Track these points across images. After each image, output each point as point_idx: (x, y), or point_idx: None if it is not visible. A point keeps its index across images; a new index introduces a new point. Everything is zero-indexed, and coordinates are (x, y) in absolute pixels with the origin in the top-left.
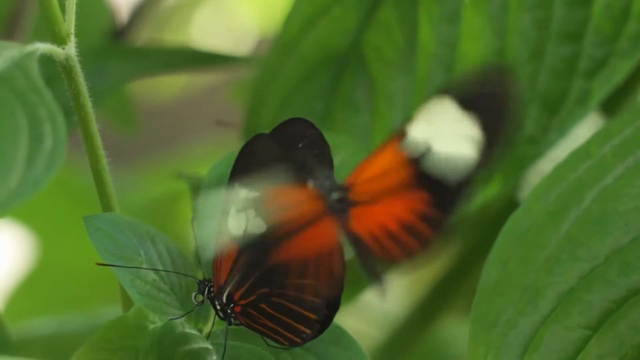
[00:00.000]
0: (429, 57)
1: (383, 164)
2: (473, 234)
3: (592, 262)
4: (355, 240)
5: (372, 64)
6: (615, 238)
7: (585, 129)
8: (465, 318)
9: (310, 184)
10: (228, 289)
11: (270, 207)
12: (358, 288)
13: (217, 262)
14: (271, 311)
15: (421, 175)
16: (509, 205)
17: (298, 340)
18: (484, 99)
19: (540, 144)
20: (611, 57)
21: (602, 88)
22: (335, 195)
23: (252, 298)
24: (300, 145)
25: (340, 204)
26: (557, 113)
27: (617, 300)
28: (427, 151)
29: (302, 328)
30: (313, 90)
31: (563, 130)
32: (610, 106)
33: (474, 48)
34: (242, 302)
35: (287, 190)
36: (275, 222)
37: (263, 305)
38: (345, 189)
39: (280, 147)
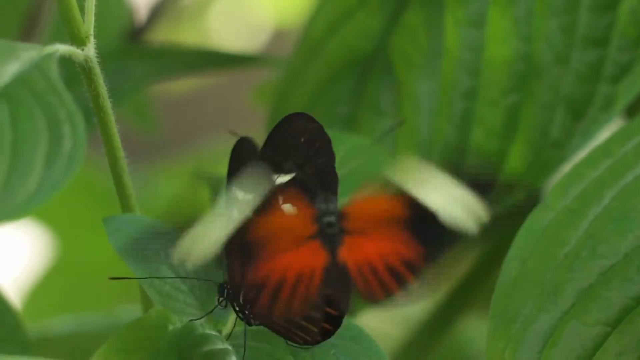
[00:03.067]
0: (454, 61)
1: (384, 203)
2: (494, 235)
3: (611, 259)
4: (341, 268)
5: (398, 68)
6: (635, 236)
7: (609, 133)
8: (486, 317)
9: (308, 204)
10: (244, 290)
11: (260, 217)
12: None
13: (232, 263)
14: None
15: (415, 225)
16: (530, 206)
17: (309, 339)
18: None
19: (565, 149)
20: (636, 62)
21: (627, 93)
22: (327, 219)
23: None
24: (302, 139)
25: (332, 229)
26: (582, 118)
27: (637, 297)
28: (427, 208)
29: (311, 327)
30: (338, 94)
31: (588, 134)
32: (634, 111)
33: (499, 52)
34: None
35: (282, 206)
36: (262, 235)
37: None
38: (341, 215)
39: (282, 142)
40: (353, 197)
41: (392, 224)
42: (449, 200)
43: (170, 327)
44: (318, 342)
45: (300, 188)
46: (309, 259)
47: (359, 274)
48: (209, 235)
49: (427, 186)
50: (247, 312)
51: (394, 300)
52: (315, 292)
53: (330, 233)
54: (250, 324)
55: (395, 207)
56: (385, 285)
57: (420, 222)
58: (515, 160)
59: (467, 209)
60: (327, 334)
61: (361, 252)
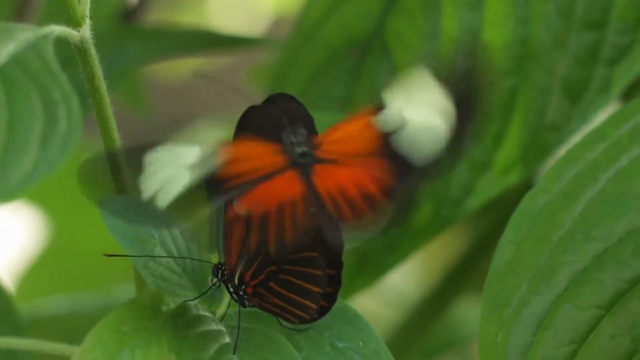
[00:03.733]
0: (452, 44)
1: (355, 129)
2: (489, 217)
3: (605, 242)
4: (314, 195)
5: (395, 50)
6: (629, 219)
7: (606, 116)
8: (480, 300)
9: (278, 138)
10: (239, 271)
11: (235, 159)
12: (376, 272)
13: (227, 244)
14: (280, 289)
15: (389, 146)
16: (526, 190)
17: (305, 316)
18: (460, 78)
19: (561, 132)
20: (634, 45)
21: (624, 76)
22: (299, 149)
23: (261, 277)
24: (285, 120)
25: (303, 159)
26: (580, 101)
27: (630, 281)
28: (400, 125)
29: (308, 303)
30: (335, 75)
31: (585, 117)
32: (631, 94)
33: (497, 35)
34: (253, 282)
35: (252, 143)
36: (238, 173)
37: (272, 284)
38: (311, 145)
39: (265, 122)
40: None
41: (365, 149)
42: (424, 107)
43: (165, 308)
44: (315, 320)
45: (267, 123)
46: (286, 188)
47: (331, 199)
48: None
49: (404, 95)
50: (241, 293)
51: (365, 224)
52: (302, 217)
53: (303, 163)
54: (244, 305)
55: (367, 132)
56: (357, 209)
57: (394, 143)
58: (512, 142)
59: (442, 117)
60: (323, 311)
61: (332, 178)
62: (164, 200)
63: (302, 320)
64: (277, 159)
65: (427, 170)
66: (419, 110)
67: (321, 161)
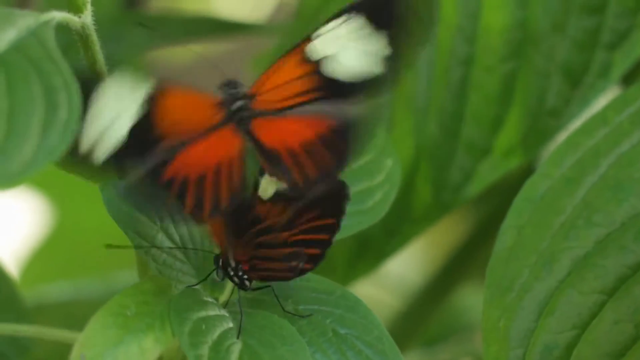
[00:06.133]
0: (451, 28)
1: (287, 74)
2: (491, 203)
3: (607, 227)
4: (259, 148)
5: None
6: (631, 204)
7: (606, 101)
8: (482, 286)
9: (213, 94)
10: (232, 250)
11: (172, 116)
12: (377, 258)
13: (216, 229)
14: (267, 250)
15: (323, 75)
16: (527, 174)
17: (292, 274)
18: (390, 16)
19: (561, 116)
20: (633, 29)
21: (624, 60)
22: (237, 104)
23: (250, 249)
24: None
25: (242, 113)
26: (579, 85)
27: (633, 266)
28: (330, 51)
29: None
30: None
31: (584, 102)
32: (631, 79)
33: (496, 19)
34: (245, 257)
35: (189, 99)
36: (169, 127)
37: (262, 251)
38: (248, 97)
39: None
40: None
41: (299, 94)
42: (355, 48)
43: (168, 293)
44: (303, 273)
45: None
46: (223, 146)
47: (275, 152)
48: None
49: (333, 36)
50: (240, 274)
51: (309, 182)
52: (238, 178)
53: (242, 117)
54: (244, 287)
55: (299, 75)
56: (301, 164)
57: (326, 77)
58: (512, 127)
59: (373, 56)
60: (317, 260)
61: (274, 132)
62: (102, 150)
63: (297, 274)
64: (214, 113)
65: (363, 89)
66: (351, 54)
67: (260, 114)
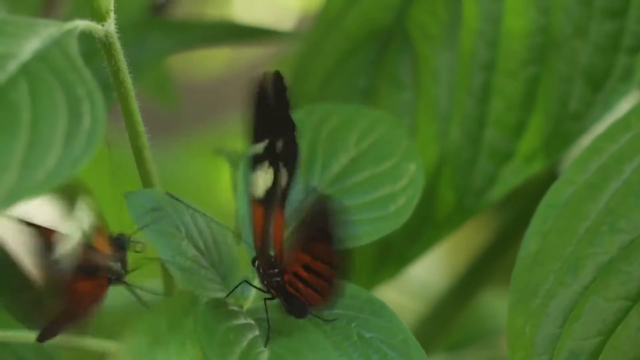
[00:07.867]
0: (473, 33)
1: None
2: (513, 207)
3: (632, 233)
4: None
5: (416, 40)
6: None
7: (628, 104)
8: (506, 291)
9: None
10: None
11: None
12: (400, 263)
13: (256, 234)
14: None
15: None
16: (550, 179)
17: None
18: None
19: (584, 120)
20: None
21: None
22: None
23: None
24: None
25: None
26: (601, 89)
27: None
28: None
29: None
30: (356, 66)
31: (607, 106)
32: None
33: (518, 24)
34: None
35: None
36: None
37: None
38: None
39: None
40: None
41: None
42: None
43: (195, 307)
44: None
45: None
46: None
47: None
48: None
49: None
50: (278, 279)
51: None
52: None
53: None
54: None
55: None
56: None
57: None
58: (534, 132)
59: None
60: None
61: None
62: None
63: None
64: None
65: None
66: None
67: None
